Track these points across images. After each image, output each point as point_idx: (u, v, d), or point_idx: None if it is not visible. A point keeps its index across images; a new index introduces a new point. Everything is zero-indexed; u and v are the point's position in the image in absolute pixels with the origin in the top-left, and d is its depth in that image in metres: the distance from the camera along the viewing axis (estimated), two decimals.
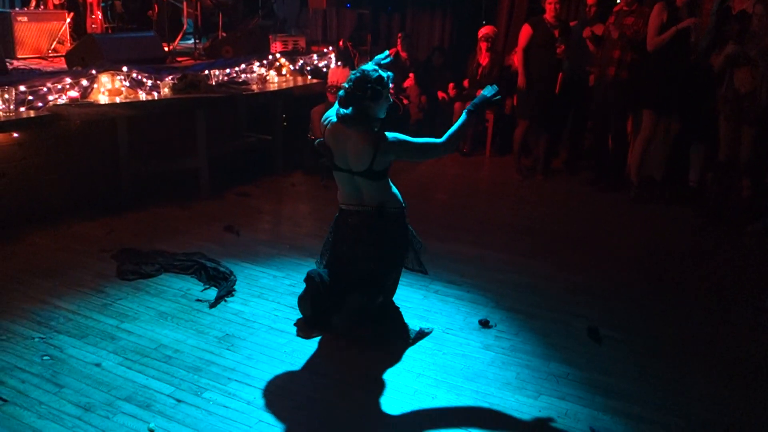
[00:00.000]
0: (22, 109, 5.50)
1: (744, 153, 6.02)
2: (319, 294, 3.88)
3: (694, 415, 3.29)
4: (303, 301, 4.01)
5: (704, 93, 6.38)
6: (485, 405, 3.29)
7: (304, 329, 3.97)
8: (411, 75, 9.14)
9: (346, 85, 3.68)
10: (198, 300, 4.33)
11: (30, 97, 5.51)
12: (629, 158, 7.13)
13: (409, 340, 3.88)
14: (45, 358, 3.56)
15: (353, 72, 3.74)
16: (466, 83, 8.84)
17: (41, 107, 5.54)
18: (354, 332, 3.92)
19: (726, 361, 3.82)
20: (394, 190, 3.87)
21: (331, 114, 3.78)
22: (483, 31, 8.55)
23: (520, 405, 3.31)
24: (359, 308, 3.96)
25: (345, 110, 3.65)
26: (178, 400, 3.24)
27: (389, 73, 3.78)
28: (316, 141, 3.85)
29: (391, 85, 3.76)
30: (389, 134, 3.68)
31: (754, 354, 3.90)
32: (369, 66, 3.76)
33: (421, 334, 3.94)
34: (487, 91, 3.90)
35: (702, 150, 6.81)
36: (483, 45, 8.45)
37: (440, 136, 3.79)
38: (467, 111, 3.85)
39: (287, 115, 7.86)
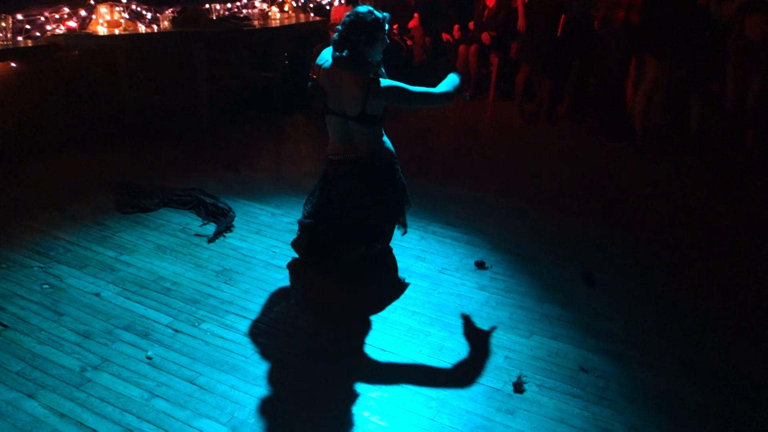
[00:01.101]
0: (20, 38, 5.42)
1: (751, 102, 5.95)
2: (314, 239, 3.89)
3: (681, 358, 3.34)
4: (298, 244, 4.01)
5: (712, 40, 6.26)
6: (478, 342, 3.34)
7: (298, 269, 4.00)
8: (416, 15, 8.97)
9: (340, 28, 3.58)
10: (197, 234, 4.36)
11: (27, 26, 5.42)
12: (633, 107, 7.05)
13: (401, 288, 3.85)
14: (44, 286, 3.60)
15: (347, 15, 3.61)
16: (471, 25, 8.66)
17: (39, 37, 5.46)
18: (352, 274, 3.92)
19: (718, 308, 3.86)
20: (387, 141, 3.79)
21: (327, 55, 3.69)
22: None
23: (513, 343, 3.36)
24: (358, 257, 3.92)
25: (340, 53, 3.58)
26: (176, 330, 3.29)
27: (385, 14, 3.67)
28: (309, 83, 3.76)
29: (388, 27, 3.66)
30: (383, 80, 3.57)
31: (747, 302, 3.94)
32: (363, 8, 3.62)
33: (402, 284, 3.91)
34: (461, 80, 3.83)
35: (703, 98, 6.72)
36: None
37: (443, 79, 3.74)
38: (457, 80, 3.77)
39: (289, 53, 7.74)
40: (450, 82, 3.74)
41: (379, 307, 3.63)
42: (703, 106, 6.62)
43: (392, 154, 3.81)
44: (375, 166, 3.71)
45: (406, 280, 3.92)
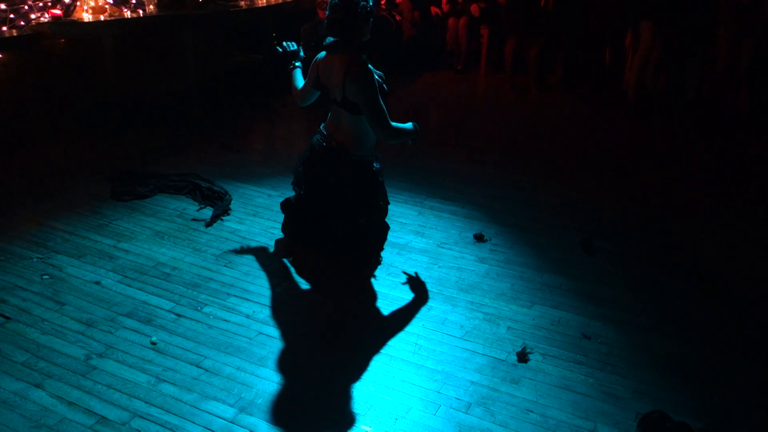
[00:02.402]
0: (4, 28, 5.35)
1: (743, 65, 5.94)
2: (301, 217, 3.89)
3: (681, 321, 3.37)
4: (285, 225, 4.02)
5: (706, 3, 6.23)
6: (480, 315, 3.36)
7: (284, 249, 3.99)
8: None
9: (329, 12, 3.51)
10: (194, 219, 4.35)
11: (11, 16, 5.34)
12: (627, 73, 7.03)
13: (376, 265, 3.82)
14: (45, 277, 3.59)
15: None
16: None
17: (24, 26, 5.38)
18: (339, 252, 3.90)
19: (716, 271, 3.88)
20: (371, 139, 3.69)
21: (320, 54, 3.67)
22: None
23: (515, 314, 3.38)
24: (341, 232, 3.89)
25: (333, 37, 3.52)
26: (179, 315, 3.30)
27: None
28: (293, 64, 3.76)
29: (374, 2, 3.60)
30: (369, 68, 3.46)
31: (743, 264, 3.97)
32: None
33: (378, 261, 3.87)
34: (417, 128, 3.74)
35: (699, 62, 6.71)
36: None
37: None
38: (413, 127, 3.68)
39: (277, 34, 7.66)
40: (407, 125, 3.66)
41: (380, 283, 3.64)
42: (698, 71, 6.61)
43: (370, 154, 3.74)
44: (351, 161, 3.67)
45: (405, 256, 3.92)
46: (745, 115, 6.22)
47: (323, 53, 3.65)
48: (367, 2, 3.50)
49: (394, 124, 3.55)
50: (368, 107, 3.46)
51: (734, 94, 6.27)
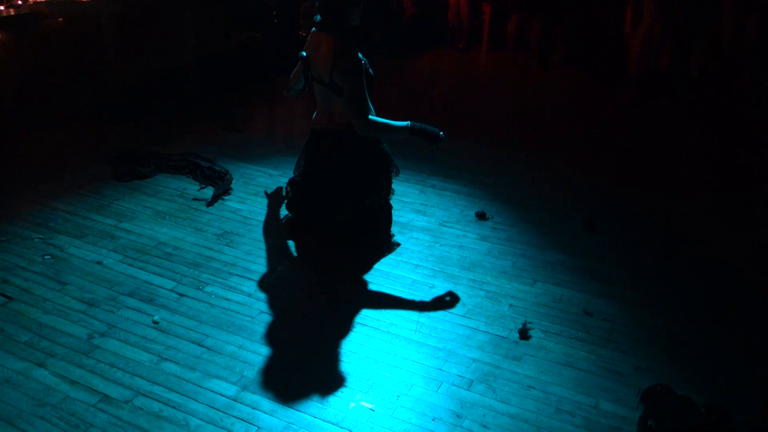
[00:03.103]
0: (1, 8, 5.31)
1: (746, 43, 5.87)
2: (305, 198, 3.86)
3: (682, 299, 3.37)
4: (290, 204, 3.99)
5: None
6: (482, 292, 3.36)
7: (289, 228, 3.98)
8: None
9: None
10: (195, 199, 4.34)
11: None
12: (630, 51, 6.95)
13: (387, 250, 3.77)
14: (46, 257, 3.59)
15: None
16: None
17: (21, 5, 5.34)
18: (343, 233, 3.88)
19: (717, 249, 3.87)
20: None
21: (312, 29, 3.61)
22: None
23: (517, 292, 3.38)
24: (347, 214, 3.85)
25: (323, 17, 3.47)
26: (181, 294, 3.30)
27: None
28: (299, 54, 3.66)
29: None
30: (358, 55, 3.40)
31: (745, 243, 3.96)
32: None
33: (395, 245, 3.84)
34: (437, 131, 3.54)
35: (703, 40, 6.63)
36: None
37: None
38: (408, 126, 3.48)
39: (277, 12, 7.59)
40: (396, 123, 3.50)
41: (383, 262, 3.64)
42: (702, 49, 6.53)
43: None
44: (355, 138, 3.62)
45: (407, 234, 3.91)
46: (748, 92, 6.17)
47: (314, 29, 3.59)
48: None
49: (378, 119, 3.46)
50: (350, 96, 3.39)
51: (739, 71, 6.20)
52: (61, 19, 5.49)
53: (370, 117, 3.44)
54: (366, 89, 3.44)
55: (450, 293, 3.37)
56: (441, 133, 3.55)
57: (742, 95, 6.17)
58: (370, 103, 3.48)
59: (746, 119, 5.87)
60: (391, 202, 4.01)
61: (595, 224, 4.06)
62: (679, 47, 6.75)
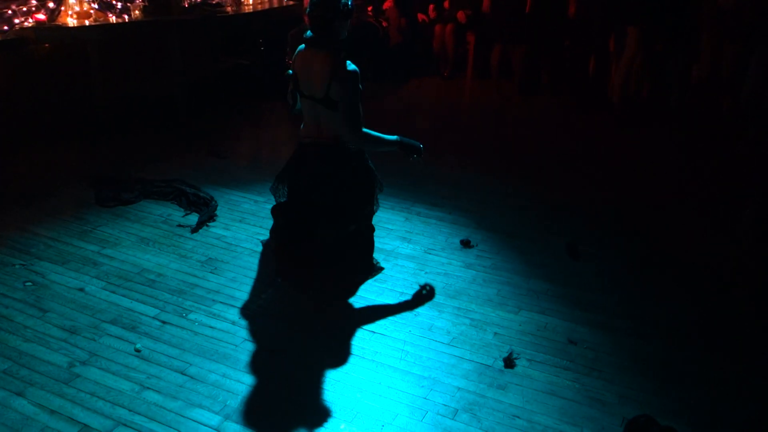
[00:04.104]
0: None
1: (726, 70, 6.00)
2: (289, 224, 3.85)
3: (667, 325, 3.38)
4: (274, 230, 3.98)
5: (689, 9, 6.29)
6: (467, 320, 3.36)
7: (274, 254, 3.95)
8: None
9: (309, 9, 3.50)
10: (179, 225, 4.32)
11: None
12: (612, 78, 7.08)
13: (371, 274, 3.80)
14: (27, 284, 3.55)
15: None
16: (446, 4, 8.63)
17: (7, 31, 5.34)
18: (326, 260, 3.88)
19: (701, 274, 3.91)
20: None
21: (300, 47, 3.65)
22: None
23: (501, 320, 3.38)
24: (331, 239, 3.87)
25: (314, 33, 3.52)
26: (164, 322, 3.26)
27: None
28: (285, 73, 3.70)
29: (354, 8, 3.57)
30: (351, 65, 3.43)
31: (729, 269, 4.00)
32: None
33: (378, 269, 3.88)
34: (419, 144, 3.70)
35: (684, 68, 6.77)
36: None
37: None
38: (398, 140, 3.60)
39: (264, 39, 7.65)
40: (387, 137, 3.60)
41: (367, 289, 3.63)
42: (682, 77, 6.67)
43: None
44: (339, 152, 3.65)
45: (392, 262, 3.92)
46: (728, 120, 6.29)
47: (302, 46, 3.62)
48: (348, 0, 3.50)
49: (371, 132, 3.49)
50: (347, 108, 3.43)
51: (718, 100, 6.33)
52: (47, 45, 5.50)
53: (364, 130, 3.49)
54: (360, 102, 3.49)
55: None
56: (421, 146, 3.71)
57: (722, 122, 6.29)
58: (359, 109, 3.50)
59: (727, 145, 5.96)
60: (376, 229, 4.01)
61: (579, 250, 4.08)
62: (660, 76, 6.88)
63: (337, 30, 3.48)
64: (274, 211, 3.92)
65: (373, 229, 3.95)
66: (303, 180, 3.73)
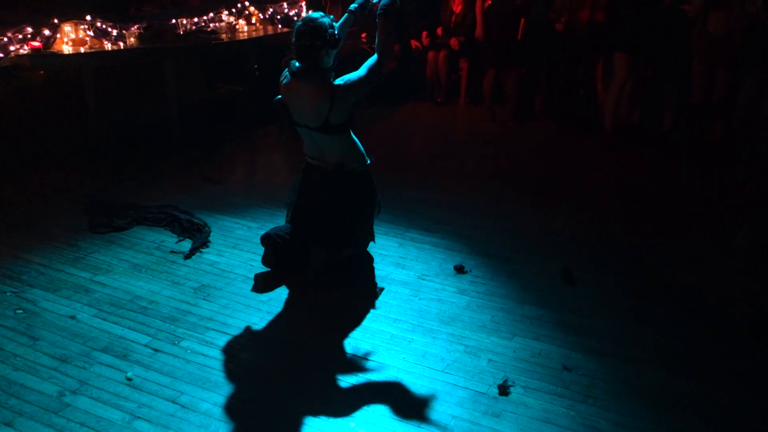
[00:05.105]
0: None
1: (717, 95, 6.06)
2: (282, 249, 3.88)
3: (662, 350, 3.37)
4: (266, 257, 4.00)
5: (679, 35, 6.37)
6: (461, 347, 3.34)
7: (263, 282, 3.95)
8: None
9: (294, 40, 3.54)
10: (172, 252, 4.30)
11: None
12: (603, 104, 7.13)
13: (374, 295, 3.83)
14: (18, 311, 3.52)
15: (298, 24, 3.55)
16: (439, 31, 8.72)
17: (2, 58, 5.36)
18: (322, 283, 3.90)
19: (696, 299, 3.90)
20: (359, 145, 3.75)
21: (283, 77, 3.70)
22: None
23: (495, 346, 3.36)
24: (325, 260, 3.91)
25: (298, 64, 3.56)
26: (156, 350, 3.24)
27: (330, 16, 3.65)
28: (275, 99, 3.74)
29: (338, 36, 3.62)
30: (338, 81, 3.53)
31: (723, 293, 3.99)
32: (316, 14, 3.57)
33: (379, 290, 3.90)
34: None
35: (676, 93, 6.82)
36: None
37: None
38: (379, 15, 3.60)
39: (258, 66, 7.71)
40: (378, 35, 3.67)
41: (360, 316, 3.61)
42: (674, 102, 6.73)
43: (363, 161, 3.77)
44: (341, 177, 3.68)
45: (386, 288, 3.91)
46: (721, 144, 6.34)
47: (287, 75, 3.65)
48: (334, 29, 3.55)
49: (373, 60, 3.56)
50: (367, 82, 3.55)
51: (710, 124, 6.39)
52: (42, 72, 5.52)
53: (376, 57, 3.56)
54: (361, 85, 3.55)
55: None
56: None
57: (714, 146, 6.34)
58: (364, 67, 3.56)
59: (719, 169, 6.00)
60: (371, 254, 4.03)
61: (573, 276, 4.08)
62: (651, 99, 6.94)
63: (323, 59, 3.51)
64: (264, 239, 3.95)
65: (371, 259, 3.99)
66: (307, 198, 3.77)
